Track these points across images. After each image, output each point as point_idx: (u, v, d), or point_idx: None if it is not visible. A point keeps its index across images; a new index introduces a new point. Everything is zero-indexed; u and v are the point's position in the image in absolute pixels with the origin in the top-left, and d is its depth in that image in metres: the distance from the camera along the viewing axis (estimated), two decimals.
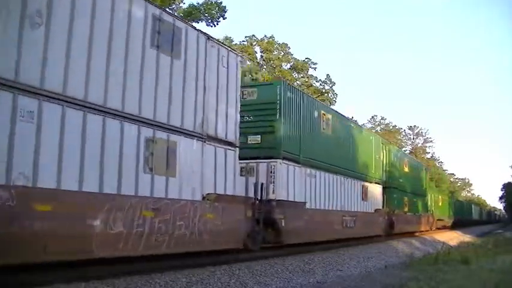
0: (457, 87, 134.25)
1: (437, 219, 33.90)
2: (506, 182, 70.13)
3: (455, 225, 41.79)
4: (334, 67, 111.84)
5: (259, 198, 10.85)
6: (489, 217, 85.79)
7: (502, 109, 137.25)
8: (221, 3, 22.94)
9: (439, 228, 34.02)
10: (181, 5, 25.26)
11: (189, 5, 23.33)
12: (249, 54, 40.72)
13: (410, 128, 70.27)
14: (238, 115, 10.35)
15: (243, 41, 41.70)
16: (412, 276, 9.08)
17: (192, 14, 22.63)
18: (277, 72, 40.67)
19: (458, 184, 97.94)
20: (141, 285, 6.94)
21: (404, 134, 69.08)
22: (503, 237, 25.45)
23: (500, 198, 79.69)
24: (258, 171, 11.62)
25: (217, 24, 23.41)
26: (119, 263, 7.40)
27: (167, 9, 8.74)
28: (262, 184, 11.13)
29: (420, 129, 70.65)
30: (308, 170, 13.24)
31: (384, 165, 21.07)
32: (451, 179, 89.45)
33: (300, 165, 12.79)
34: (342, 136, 16.30)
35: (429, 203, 31.86)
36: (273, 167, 11.54)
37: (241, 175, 10.90)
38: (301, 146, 12.89)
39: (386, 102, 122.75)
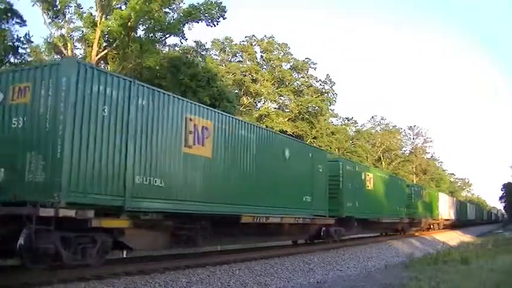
0: (457, 87, 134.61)
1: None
2: (506, 182, 69.95)
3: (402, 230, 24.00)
4: (334, 67, 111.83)
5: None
6: (480, 217, 62.99)
7: (502, 109, 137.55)
8: (221, 3, 22.88)
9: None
10: (181, 5, 25.16)
11: (189, 5, 23.23)
12: (249, 54, 40.71)
13: (410, 128, 69.89)
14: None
15: (243, 41, 41.68)
16: (412, 276, 9.07)
17: (192, 14, 22.54)
18: (277, 72, 40.65)
19: (458, 184, 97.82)
20: (141, 285, 6.94)
21: (404, 134, 68.78)
22: (503, 237, 25.50)
23: (500, 198, 79.57)
24: None
25: (217, 24, 23.35)
26: (119, 263, 7.40)
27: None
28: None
29: (420, 129, 70.31)
30: None
31: None
32: (451, 179, 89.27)
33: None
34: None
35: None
36: None
37: None
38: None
39: (386, 102, 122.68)
